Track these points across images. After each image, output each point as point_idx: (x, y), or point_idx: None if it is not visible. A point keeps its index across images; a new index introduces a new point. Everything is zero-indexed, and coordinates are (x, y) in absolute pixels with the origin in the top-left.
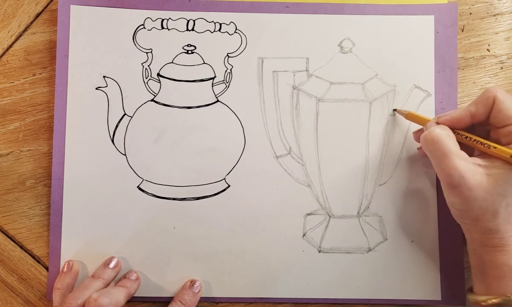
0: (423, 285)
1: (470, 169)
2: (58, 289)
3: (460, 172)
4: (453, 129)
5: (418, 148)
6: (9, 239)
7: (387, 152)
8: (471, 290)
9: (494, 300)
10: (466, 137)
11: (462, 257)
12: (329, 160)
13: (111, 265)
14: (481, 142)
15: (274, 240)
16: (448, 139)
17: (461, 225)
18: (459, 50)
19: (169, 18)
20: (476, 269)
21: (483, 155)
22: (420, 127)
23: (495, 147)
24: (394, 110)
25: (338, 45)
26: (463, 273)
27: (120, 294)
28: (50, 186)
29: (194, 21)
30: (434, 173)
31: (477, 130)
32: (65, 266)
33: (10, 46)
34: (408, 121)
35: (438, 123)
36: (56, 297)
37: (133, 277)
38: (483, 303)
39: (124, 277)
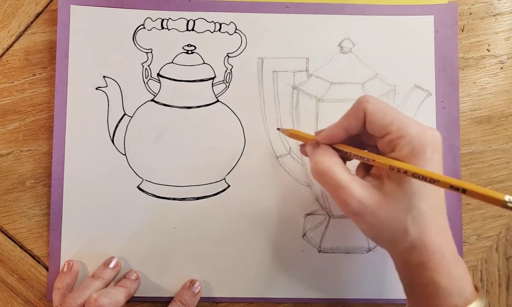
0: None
1: (367, 194)
2: (58, 289)
3: (358, 199)
4: (332, 144)
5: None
6: (9, 239)
7: None
8: None
9: None
10: (346, 153)
11: (461, 257)
12: None
13: (111, 265)
14: (360, 156)
15: (274, 240)
16: (336, 167)
17: (383, 248)
18: (459, 50)
19: (169, 18)
20: (407, 290)
21: (375, 173)
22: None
23: (373, 160)
24: (278, 129)
25: (338, 45)
26: None
27: (120, 294)
28: (50, 186)
29: (194, 21)
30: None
31: (365, 141)
32: (65, 266)
33: (10, 46)
34: None
35: (317, 142)
36: (56, 297)
37: (133, 277)
38: None
39: (124, 277)
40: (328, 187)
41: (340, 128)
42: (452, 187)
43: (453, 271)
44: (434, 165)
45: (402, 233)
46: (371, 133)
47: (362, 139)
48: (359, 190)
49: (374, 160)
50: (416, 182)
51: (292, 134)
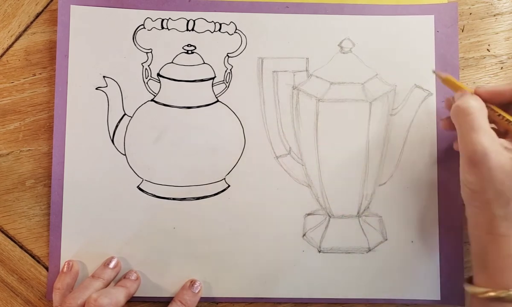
0: (422, 285)
1: (495, 149)
2: (58, 289)
3: (484, 149)
4: (490, 103)
5: (441, 119)
6: (9, 239)
7: (387, 152)
8: (470, 281)
9: (492, 294)
10: (499, 115)
11: (462, 257)
12: (329, 160)
13: (111, 265)
14: (503, 119)
15: (274, 240)
16: (480, 113)
17: (468, 207)
18: (459, 50)
19: (169, 18)
20: (478, 258)
21: None
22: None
23: None
24: (433, 71)
25: (338, 45)
26: (463, 273)
27: (120, 294)
28: (50, 186)
29: (194, 21)
30: (434, 173)
31: None
32: (65, 266)
33: (10, 46)
34: (408, 121)
35: (475, 94)
36: (56, 296)
37: (133, 277)
38: (480, 296)
39: (124, 277)
40: (463, 127)
41: (508, 88)
42: None
43: None
44: None
45: (506, 201)
46: None
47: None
48: (490, 142)
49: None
50: None
51: (447, 80)
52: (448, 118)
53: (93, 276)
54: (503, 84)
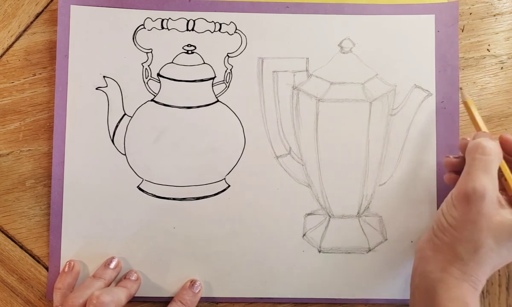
0: None
1: (492, 198)
2: (59, 288)
3: (484, 192)
4: (507, 151)
5: (445, 175)
6: (9, 239)
7: (387, 152)
8: None
9: None
10: (500, 171)
11: None
12: (329, 160)
13: (112, 265)
14: (505, 179)
15: (274, 240)
16: (496, 159)
17: (432, 240)
18: (459, 50)
19: (169, 18)
20: (424, 295)
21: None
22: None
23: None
24: (461, 88)
25: (338, 45)
26: None
27: (121, 293)
28: (50, 186)
29: (194, 21)
30: (434, 173)
31: None
32: (66, 266)
33: (10, 46)
34: (408, 121)
35: (499, 139)
36: (56, 296)
37: (133, 277)
38: None
39: (125, 277)
40: (476, 164)
41: None
42: None
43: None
44: None
45: (474, 248)
46: None
47: None
48: (492, 189)
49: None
50: None
51: (467, 104)
52: (452, 173)
53: (94, 276)
54: None
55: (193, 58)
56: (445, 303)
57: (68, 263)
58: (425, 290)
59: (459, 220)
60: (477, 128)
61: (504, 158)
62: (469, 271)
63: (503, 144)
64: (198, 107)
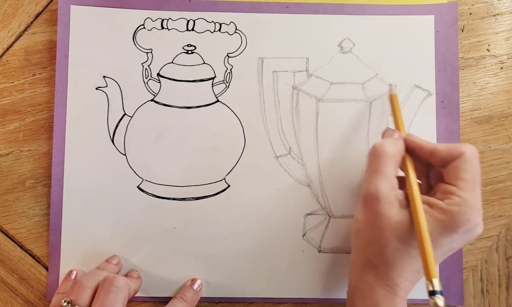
0: (421, 285)
1: (388, 198)
2: (61, 293)
3: (378, 193)
4: (414, 153)
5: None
6: (9, 239)
7: None
8: None
9: None
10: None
11: (461, 257)
12: (329, 160)
13: (114, 261)
14: (405, 180)
15: (274, 240)
16: (390, 159)
17: (352, 247)
18: (459, 50)
19: (169, 18)
20: (349, 303)
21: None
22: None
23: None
24: (390, 84)
25: (338, 45)
26: (462, 273)
27: (130, 282)
28: (50, 186)
29: (194, 21)
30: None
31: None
32: (70, 274)
33: (10, 46)
34: (408, 121)
35: (404, 138)
36: (55, 298)
37: (135, 275)
38: None
39: (126, 275)
40: (370, 167)
41: (429, 146)
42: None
43: None
44: (452, 241)
45: (380, 249)
46: (445, 175)
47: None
48: (385, 189)
49: (412, 193)
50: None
51: (392, 98)
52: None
53: (97, 268)
54: (427, 141)
55: (193, 58)
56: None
57: (70, 271)
58: (348, 298)
59: (363, 224)
60: (397, 125)
61: (415, 157)
62: (381, 276)
63: (407, 145)
64: (198, 107)
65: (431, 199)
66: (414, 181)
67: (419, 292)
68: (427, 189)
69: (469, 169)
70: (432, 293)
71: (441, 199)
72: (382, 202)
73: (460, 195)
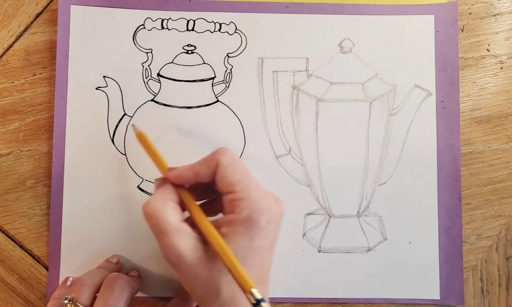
0: (422, 284)
1: (189, 247)
2: (57, 298)
3: (177, 251)
4: (181, 184)
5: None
6: (9, 239)
7: (387, 152)
8: None
9: None
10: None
11: (461, 257)
12: (329, 160)
13: (114, 261)
14: (189, 210)
15: None
16: (166, 211)
17: None
18: (459, 50)
19: (169, 18)
20: None
21: None
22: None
23: (198, 222)
24: (132, 124)
25: (338, 45)
26: (462, 273)
27: (132, 281)
28: (50, 186)
29: (194, 21)
30: (434, 173)
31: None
32: (67, 280)
33: (10, 46)
34: (408, 121)
35: (167, 177)
36: (51, 302)
37: (136, 275)
38: None
39: (127, 275)
40: (154, 231)
41: (190, 172)
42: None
43: None
44: (265, 235)
45: (215, 293)
46: (219, 187)
47: (217, 189)
48: (182, 241)
49: (199, 222)
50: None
51: (140, 137)
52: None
53: (98, 267)
54: (188, 167)
55: (193, 58)
56: None
57: (66, 278)
58: None
59: (187, 284)
60: (157, 165)
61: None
62: None
63: (173, 181)
64: (198, 107)
65: (227, 218)
66: (194, 211)
67: (418, 292)
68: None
69: (233, 172)
70: (256, 303)
71: (231, 210)
72: (186, 255)
73: (242, 197)
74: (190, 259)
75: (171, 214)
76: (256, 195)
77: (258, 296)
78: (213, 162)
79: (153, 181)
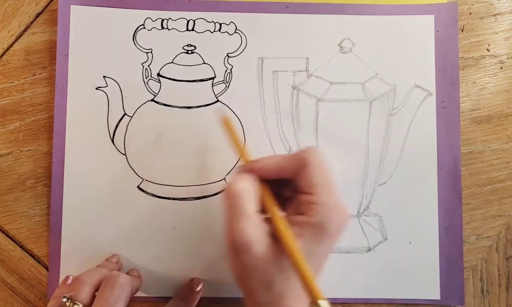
0: (422, 284)
1: (258, 238)
2: (58, 297)
3: (247, 237)
4: (266, 178)
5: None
6: (9, 239)
7: (387, 152)
8: None
9: None
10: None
11: (461, 257)
12: (329, 160)
13: (113, 260)
14: (266, 206)
15: None
16: (246, 197)
17: (242, 292)
18: (459, 50)
19: (169, 18)
20: None
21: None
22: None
23: (275, 220)
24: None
25: (338, 45)
26: (462, 273)
27: (133, 281)
28: (50, 186)
29: (194, 21)
30: (434, 173)
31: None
32: (66, 280)
33: (10, 46)
34: (408, 121)
35: (250, 168)
36: (51, 301)
37: (135, 274)
38: None
39: (127, 274)
40: (228, 212)
41: (275, 167)
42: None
43: None
44: (330, 244)
45: (266, 287)
46: (299, 186)
47: (296, 187)
48: (253, 230)
49: (274, 218)
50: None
51: (225, 122)
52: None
53: (97, 266)
54: (273, 159)
55: (193, 58)
56: None
57: (67, 277)
58: None
59: (241, 272)
60: (239, 154)
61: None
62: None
63: (256, 172)
64: (198, 107)
65: (298, 219)
66: (275, 213)
67: (419, 291)
68: (287, 201)
69: (319, 174)
70: None
71: (304, 212)
72: (254, 245)
73: (319, 202)
74: (256, 249)
75: (251, 201)
76: (333, 202)
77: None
78: (301, 161)
79: (153, 181)
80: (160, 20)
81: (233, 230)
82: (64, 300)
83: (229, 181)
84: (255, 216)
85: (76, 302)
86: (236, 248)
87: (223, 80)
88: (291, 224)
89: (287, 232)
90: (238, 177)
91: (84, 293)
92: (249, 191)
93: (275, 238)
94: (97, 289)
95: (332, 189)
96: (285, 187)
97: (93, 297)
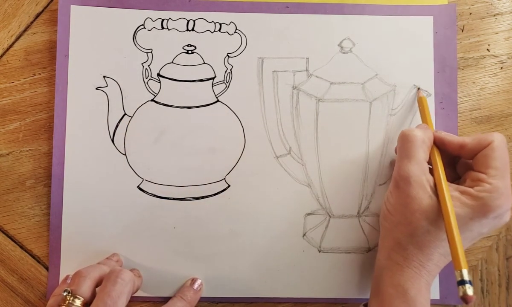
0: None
1: (419, 181)
2: (58, 295)
3: (409, 176)
4: (441, 148)
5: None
6: (9, 239)
7: (387, 152)
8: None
9: None
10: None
11: None
12: (329, 160)
13: (114, 259)
14: (437, 178)
15: (274, 240)
16: (420, 144)
17: (381, 229)
18: (459, 50)
19: (169, 18)
20: (375, 283)
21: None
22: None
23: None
24: (418, 88)
25: (338, 45)
26: None
27: (134, 278)
28: (50, 186)
29: (194, 21)
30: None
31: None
32: (66, 279)
33: (10, 46)
34: (408, 121)
35: (434, 134)
36: (51, 299)
37: (136, 274)
38: None
39: None
40: (401, 152)
41: (457, 141)
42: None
43: (425, 293)
44: (480, 226)
45: (411, 230)
46: (475, 164)
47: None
48: (418, 174)
49: (438, 180)
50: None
51: (420, 101)
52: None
53: (98, 264)
54: (455, 136)
55: (193, 58)
56: (386, 289)
57: (67, 276)
58: (376, 278)
59: (394, 206)
60: (429, 123)
61: (445, 153)
62: (410, 256)
63: (436, 140)
64: (198, 107)
65: (461, 187)
66: (441, 169)
67: None
68: (455, 178)
69: (498, 157)
70: (461, 282)
71: (471, 187)
72: (413, 185)
73: (491, 182)
74: (413, 190)
75: (422, 150)
76: (503, 188)
77: (467, 277)
78: (486, 142)
79: (153, 181)
80: (160, 20)
81: (400, 168)
82: (65, 294)
83: (407, 129)
84: (422, 163)
85: (77, 296)
86: (399, 182)
87: (223, 80)
88: (454, 189)
89: (447, 193)
90: (418, 126)
91: (85, 287)
92: (423, 141)
93: (434, 192)
94: (97, 284)
95: (506, 175)
96: (451, 168)
97: (93, 292)
